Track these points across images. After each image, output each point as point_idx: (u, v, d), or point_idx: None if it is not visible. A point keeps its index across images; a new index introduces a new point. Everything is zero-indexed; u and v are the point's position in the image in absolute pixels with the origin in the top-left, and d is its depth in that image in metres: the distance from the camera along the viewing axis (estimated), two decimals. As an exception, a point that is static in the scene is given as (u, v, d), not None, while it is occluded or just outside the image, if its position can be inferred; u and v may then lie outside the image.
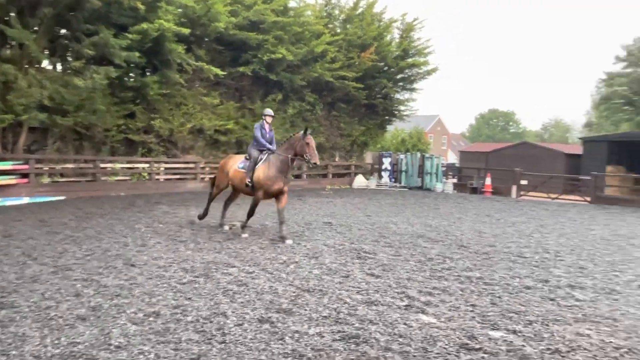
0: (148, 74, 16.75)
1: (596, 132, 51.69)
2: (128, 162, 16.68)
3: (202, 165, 18.52)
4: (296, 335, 4.16)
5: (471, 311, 4.99)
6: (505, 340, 4.24)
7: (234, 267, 6.51)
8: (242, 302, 5.00)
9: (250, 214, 9.00)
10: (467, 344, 4.12)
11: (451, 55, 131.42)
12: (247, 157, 9.05)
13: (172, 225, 9.79)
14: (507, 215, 13.99)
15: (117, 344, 3.90)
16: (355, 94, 22.63)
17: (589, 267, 7.36)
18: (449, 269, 6.81)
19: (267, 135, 9.10)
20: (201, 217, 10.08)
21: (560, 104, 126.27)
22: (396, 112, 26.24)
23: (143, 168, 16.99)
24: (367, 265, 6.84)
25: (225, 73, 18.04)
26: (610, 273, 6.99)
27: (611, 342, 4.33)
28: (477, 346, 4.07)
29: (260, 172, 8.66)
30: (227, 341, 4.00)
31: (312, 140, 8.47)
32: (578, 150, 30.42)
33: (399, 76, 24.58)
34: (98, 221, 10.09)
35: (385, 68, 23.80)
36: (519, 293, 5.76)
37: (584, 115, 70.91)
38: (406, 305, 5.09)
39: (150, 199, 14.54)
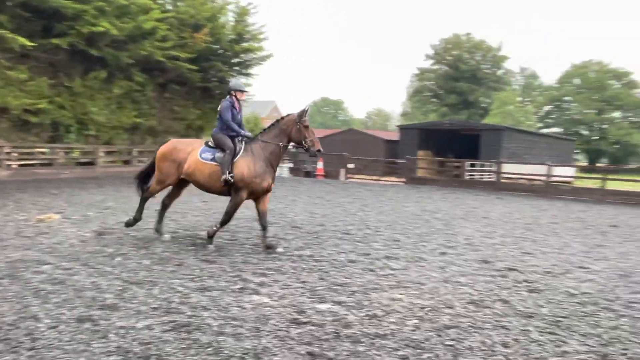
0: None
1: (410, 121, 58.47)
2: None
3: (7, 150, 15.99)
4: (122, 331, 3.90)
5: (301, 287, 5.27)
6: (331, 312, 4.58)
7: (49, 264, 5.80)
8: (57, 302, 4.49)
9: (227, 220, 7.02)
10: (297, 318, 4.35)
11: (334, 41, 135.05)
12: (211, 145, 7.11)
13: (-34, 221, 8.30)
14: (335, 196, 15.03)
15: None
16: (189, 76, 21.78)
17: (402, 239, 8.33)
18: (282, 249, 7.06)
19: (238, 118, 7.17)
20: (131, 224, 7.70)
21: (391, 91, 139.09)
22: (232, 97, 26.03)
23: None
24: (201, 252, 6.72)
25: (34, 44, 15.75)
26: (419, 244, 8.02)
27: (418, 303, 4.99)
28: (306, 320, 4.32)
29: (244, 166, 6.79)
30: (38, 347, 3.57)
31: (308, 123, 6.95)
32: (395, 136, 34.03)
33: (234, 60, 24.37)
34: None
35: (221, 51, 23.37)
36: (344, 267, 6.26)
37: (401, 105, 79.53)
38: (240, 288, 5.15)
39: None
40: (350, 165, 23.60)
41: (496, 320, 4.55)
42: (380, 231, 9.05)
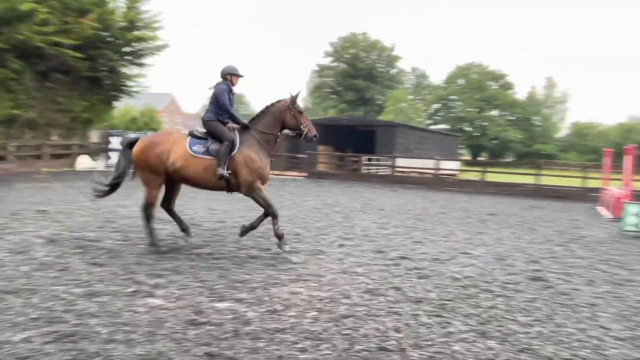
0: None
1: (311, 116, 59.43)
2: None
3: None
4: (-6, 346, 3.52)
5: (200, 287, 5.13)
6: (230, 310, 4.51)
7: None
8: None
9: (274, 212, 6.72)
10: (194, 319, 4.23)
11: (242, 30, 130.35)
12: (200, 134, 6.63)
13: None
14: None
15: None
16: (74, 64, 20.11)
17: (302, 233, 8.46)
18: (179, 248, 6.83)
19: (233, 104, 6.86)
20: (154, 243, 6.67)
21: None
22: (124, 88, 24.52)
23: None
24: (89, 255, 6.26)
25: None
26: (319, 237, 8.21)
27: (317, 295, 5.10)
28: (204, 320, 4.22)
29: (249, 157, 6.52)
30: None
31: (302, 109, 6.78)
32: (297, 131, 34.31)
33: (126, 49, 22.97)
34: None
35: (111, 39, 21.90)
36: (245, 263, 6.21)
37: (302, 100, 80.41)
38: (133, 292, 4.88)
39: None
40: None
41: (389, 307, 4.80)
42: (281, 226, 9.08)
